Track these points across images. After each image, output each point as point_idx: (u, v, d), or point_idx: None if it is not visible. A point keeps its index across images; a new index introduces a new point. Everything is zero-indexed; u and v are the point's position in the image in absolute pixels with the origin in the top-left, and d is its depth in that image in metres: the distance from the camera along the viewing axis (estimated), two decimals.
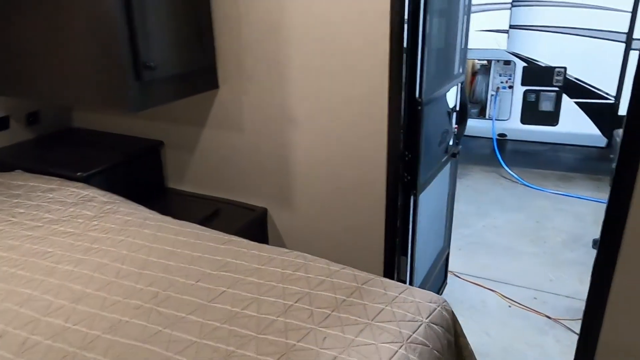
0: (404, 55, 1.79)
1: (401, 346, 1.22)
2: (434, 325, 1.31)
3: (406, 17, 1.76)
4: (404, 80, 1.83)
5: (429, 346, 1.25)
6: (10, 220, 1.87)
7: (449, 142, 2.25)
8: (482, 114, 4.74)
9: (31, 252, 1.67)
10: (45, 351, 1.24)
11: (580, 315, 2.46)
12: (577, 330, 2.48)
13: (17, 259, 1.63)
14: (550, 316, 2.68)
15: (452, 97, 2.28)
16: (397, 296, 1.39)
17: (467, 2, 2.23)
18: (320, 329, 1.28)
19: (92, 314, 1.37)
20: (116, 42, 1.75)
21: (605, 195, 3.96)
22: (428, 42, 1.78)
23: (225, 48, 2.11)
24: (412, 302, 1.37)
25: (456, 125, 2.34)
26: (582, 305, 2.69)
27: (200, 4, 2.02)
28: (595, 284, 1.62)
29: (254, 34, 2.03)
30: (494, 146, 4.67)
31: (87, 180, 2.13)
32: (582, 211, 3.88)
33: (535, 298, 2.87)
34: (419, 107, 1.85)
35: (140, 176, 2.42)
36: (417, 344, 1.24)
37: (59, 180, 2.13)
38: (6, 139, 2.41)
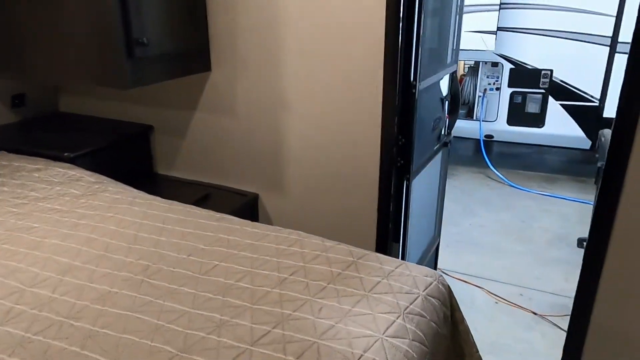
0: (400, 38, 1.79)
1: (398, 316, 1.20)
2: (431, 298, 1.30)
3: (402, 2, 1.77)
4: (399, 64, 1.83)
5: (426, 317, 1.24)
6: None
7: (441, 129, 2.26)
8: (469, 115, 4.78)
9: (16, 227, 1.61)
10: (31, 320, 1.19)
11: (566, 312, 2.48)
12: (563, 326, 2.50)
13: (1, 233, 1.58)
14: (536, 312, 2.70)
15: (444, 86, 2.29)
16: (393, 270, 1.38)
17: None
18: (316, 299, 1.26)
19: (80, 285, 1.33)
20: (109, 18, 1.72)
21: (589, 197, 4.03)
22: (424, 27, 1.78)
23: (218, 30, 2.09)
24: (408, 276, 1.35)
25: (448, 115, 2.35)
26: (567, 302, 2.72)
27: None
28: (587, 267, 1.63)
29: (248, 16, 2.02)
30: (480, 147, 4.72)
31: (74, 162, 2.08)
32: (566, 211, 3.93)
33: (521, 295, 2.89)
34: (414, 91, 1.85)
35: (128, 161, 2.38)
36: (414, 314, 1.23)
37: (44, 160, 2.08)
38: None
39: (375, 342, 1.11)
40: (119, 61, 1.78)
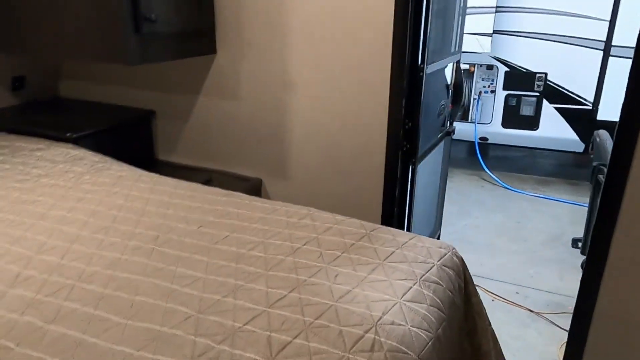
0: (409, 21, 1.80)
1: (415, 283, 1.20)
2: (446, 268, 1.30)
3: None
4: (407, 46, 1.84)
5: (442, 285, 1.23)
6: None
7: (446, 117, 2.27)
8: (464, 118, 4.82)
9: (20, 200, 1.58)
10: (41, 284, 1.17)
11: (562, 310, 2.48)
12: (559, 323, 2.51)
13: (3, 205, 1.54)
14: (532, 310, 2.70)
15: (448, 74, 2.31)
16: (406, 242, 1.37)
17: None
18: (332, 267, 1.25)
19: (89, 253, 1.30)
20: None
21: (581, 199, 4.08)
22: (432, 10, 1.80)
23: (224, 10, 2.08)
24: (422, 247, 1.35)
25: (451, 105, 2.37)
26: (563, 300, 2.73)
27: None
28: (594, 248, 1.64)
29: (256, 1, 2.02)
30: (475, 149, 4.75)
31: (77, 142, 2.05)
32: (560, 213, 3.97)
33: (517, 293, 2.90)
34: (421, 74, 1.86)
35: (130, 145, 2.35)
36: (430, 282, 1.22)
37: (47, 141, 2.05)
38: None
39: (394, 305, 1.10)
40: (126, 36, 1.76)
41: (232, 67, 2.15)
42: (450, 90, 2.33)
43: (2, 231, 1.39)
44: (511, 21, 4.36)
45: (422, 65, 1.86)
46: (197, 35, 2.07)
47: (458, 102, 2.38)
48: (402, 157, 1.97)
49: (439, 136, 2.26)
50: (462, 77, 4.83)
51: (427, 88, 1.92)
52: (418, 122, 1.93)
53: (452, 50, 2.26)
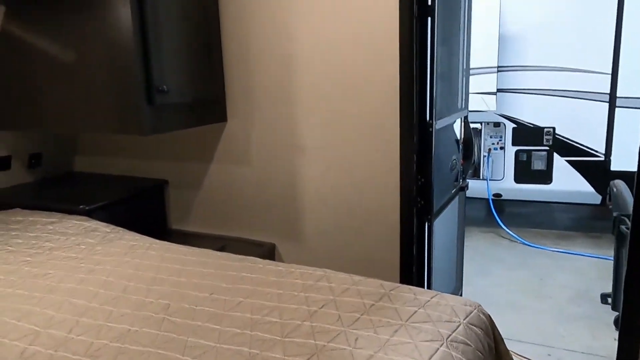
0: (414, 78, 1.83)
1: (442, 344, 1.12)
2: (473, 327, 1.22)
3: (414, 42, 1.83)
4: (415, 103, 1.86)
5: (471, 346, 1.15)
6: (7, 249, 1.77)
7: (458, 172, 2.25)
8: (476, 175, 4.81)
9: (31, 274, 1.55)
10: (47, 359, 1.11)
11: None
12: None
13: (14, 280, 1.52)
14: None
15: (457, 130, 2.31)
16: (429, 300, 1.30)
17: (465, 38, 2.34)
18: (351, 330, 1.18)
19: (97, 326, 1.25)
20: (131, 66, 1.78)
21: (605, 252, 3.95)
22: (437, 66, 1.84)
23: (234, 79, 2.15)
24: (446, 305, 1.28)
25: (462, 160, 2.36)
26: None
27: (211, 34, 2.09)
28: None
29: (264, 64, 2.08)
30: (490, 207, 4.69)
31: (90, 215, 2.05)
32: (583, 267, 3.83)
33: (549, 355, 2.74)
34: (430, 129, 1.87)
35: (143, 215, 2.35)
36: (458, 342, 1.14)
37: (60, 214, 2.05)
38: (7, 180, 2.34)
39: None
40: (139, 108, 1.81)
41: (243, 133, 2.18)
42: (461, 146, 2.33)
43: (11, 307, 1.35)
44: (514, 79, 4.45)
45: (430, 121, 1.87)
46: (209, 104, 2.12)
47: (469, 158, 2.37)
48: (417, 214, 1.94)
49: (453, 191, 2.23)
50: (472, 133, 4.88)
51: (437, 143, 1.92)
52: (431, 177, 1.91)
53: (460, 106, 2.28)
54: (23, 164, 2.42)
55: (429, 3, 1.78)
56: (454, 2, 2.19)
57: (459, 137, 2.31)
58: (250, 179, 2.21)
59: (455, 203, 2.30)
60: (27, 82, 2.04)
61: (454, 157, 2.17)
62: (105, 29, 1.81)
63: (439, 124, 1.93)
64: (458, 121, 2.31)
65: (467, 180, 2.37)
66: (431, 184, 1.91)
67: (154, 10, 1.80)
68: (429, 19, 1.79)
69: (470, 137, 2.35)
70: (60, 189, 2.35)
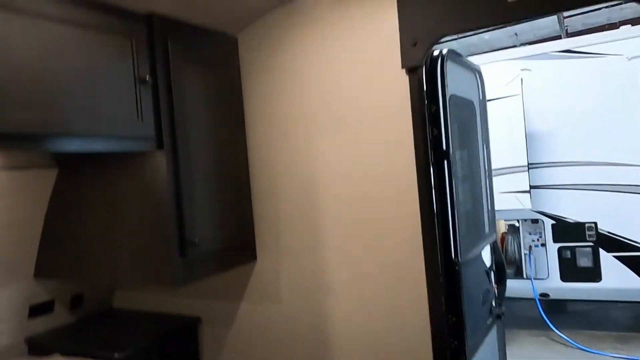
0: (436, 218, 1.85)
1: None
2: None
3: (432, 182, 1.87)
4: (438, 243, 1.86)
5: None
6: None
7: (492, 302, 2.18)
8: (518, 274, 4.64)
9: None
10: None
11: None
12: None
13: None
14: None
15: (486, 257, 2.28)
16: None
17: (487, 167, 2.37)
18: None
19: None
20: (165, 220, 1.87)
21: None
22: (457, 204, 1.86)
23: (262, 221, 2.23)
24: None
25: (495, 285, 2.29)
26: None
27: (240, 177, 2.20)
28: None
29: (290, 207, 2.16)
30: (537, 307, 4.47)
31: None
32: None
33: None
34: (457, 268, 1.85)
35: (177, 355, 2.36)
36: None
37: None
38: (49, 322, 2.43)
39: None
40: (172, 261, 1.88)
41: (272, 271, 2.22)
42: (493, 272, 2.28)
43: None
44: (547, 176, 4.41)
45: (456, 259, 1.86)
46: (239, 247, 2.19)
47: (503, 282, 2.31)
48: (450, 356, 1.86)
49: (488, 324, 2.15)
50: (510, 236, 4.76)
51: (466, 278, 1.89)
52: (462, 316, 1.86)
53: (486, 231, 2.26)
54: (65, 306, 2.51)
55: (444, 148, 1.84)
56: (466, 112, 2.25)
57: (490, 263, 2.26)
58: (279, 318, 2.21)
59: (492, 335, 2.21)
60: (70, 235, 2.18)
61: (485, 288, 2.12)
62: (142, 187, 1.95)
63: (465, 259, 1.91)
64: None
65: (504, 307, 2.28)
66: (463, 322, 1.85)
67: (188, 169, 1.93)
68: (445, 162, 1.85)
69: (502, 261, 2.30)
70: (98, 332, 2.41)
